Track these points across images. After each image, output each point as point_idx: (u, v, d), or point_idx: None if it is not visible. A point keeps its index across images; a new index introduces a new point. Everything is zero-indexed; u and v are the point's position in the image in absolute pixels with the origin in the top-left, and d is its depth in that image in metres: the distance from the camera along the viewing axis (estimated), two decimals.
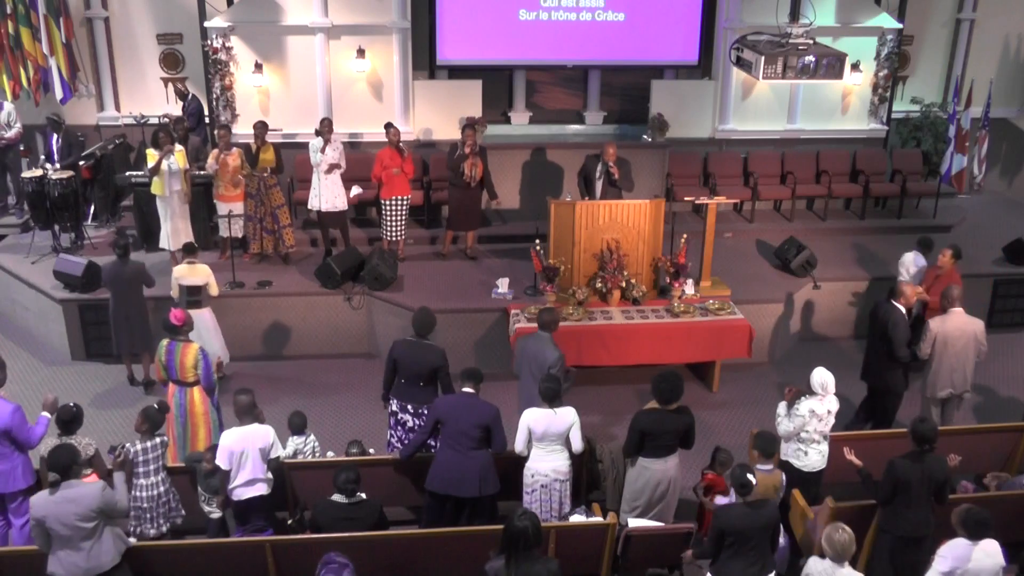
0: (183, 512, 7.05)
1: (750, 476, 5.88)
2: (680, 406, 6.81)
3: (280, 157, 10.68)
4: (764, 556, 5.94)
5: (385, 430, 8.04)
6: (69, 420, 6.62)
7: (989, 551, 5.71)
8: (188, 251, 9.31)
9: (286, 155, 11.09)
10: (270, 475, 6.93)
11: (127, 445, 6.71)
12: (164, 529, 6.90)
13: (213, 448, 7.08)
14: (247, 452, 6.72)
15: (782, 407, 7.31)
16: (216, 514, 7.12)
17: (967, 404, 8.59)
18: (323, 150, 10.43)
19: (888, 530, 6.49)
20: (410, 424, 7.56)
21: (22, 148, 12.23)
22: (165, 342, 7.79)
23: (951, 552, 5.73)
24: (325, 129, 10.50)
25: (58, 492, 5.72)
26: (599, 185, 10.60)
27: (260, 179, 10.55)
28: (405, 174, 10.74)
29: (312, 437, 7.68)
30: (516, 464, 7.09)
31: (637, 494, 6.98)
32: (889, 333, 8.15)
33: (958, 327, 8.07)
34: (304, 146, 11.29)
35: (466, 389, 6.94)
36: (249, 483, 6.80)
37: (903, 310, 8.24)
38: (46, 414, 6.87)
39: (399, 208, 10.87)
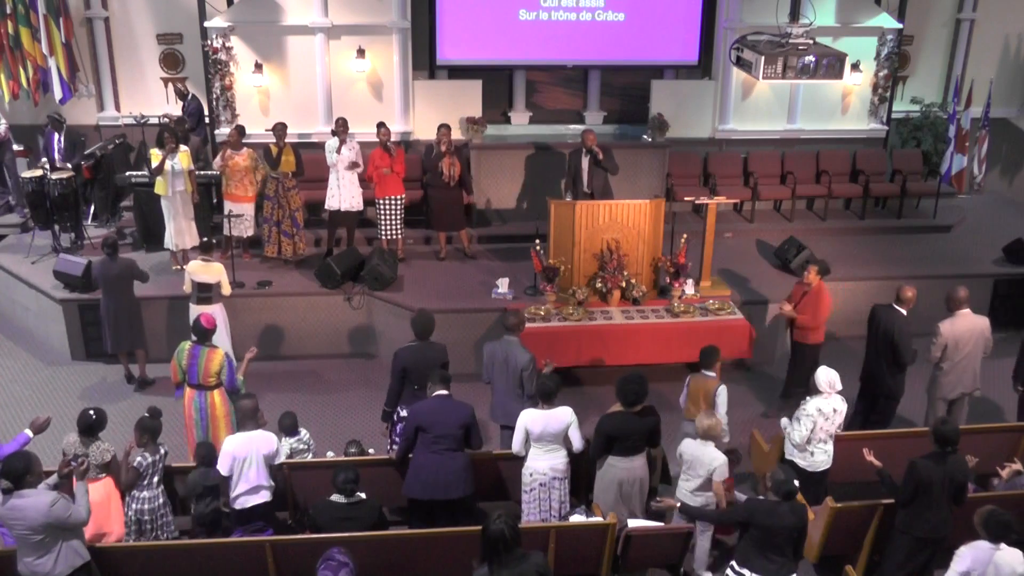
0: (174, 527, 6.99)
1: (796, 482, 5.93)
2: (645, 407, 6.81)
3: (300, 159, 10.67)
4: (785, 556, 5.96)
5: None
6: (87, 427, 6.50)
7: (1011, 559, 5.64)
8: (204, 249, 9.30)
9: None
10: (272, 482, 6.83)
11: (138, 458, 6.67)
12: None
13: (202, 445, 7.07)
14: (250, 458, 6.61)
15: (785, 421, 7.32)
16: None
17: (973, 402, 8.56)
18: (339, 150, 10.45)
19: (907, 531, 6.45)
20: None
21: (22, 148, 12.22)
22: (188, 345, 7.72)
23: (971, 552, 5.68)
24: (340, 129, 10.50)
25: (9, 500, 5.64)
26: (586, 171, 10.70)
27: (279, 182, 10.55)
28: (396, 174, 10.74)
29: (305, 434, 7.68)
30: (513, 464, 7.11)
31: (603, 491, 6.96)
32: (896, 339, 8.09)
33: (967, 328, 8.04)
34: (305, 146, 11.30)
35: (440, 392, 6.86)
36: (253, 490, 6.69)
37: (902, 312, 8.19)
38: (28, 433, 6.60)
39: (393, 208, 10.87)
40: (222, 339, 9.24)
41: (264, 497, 6.77)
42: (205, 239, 9.51)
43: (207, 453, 6.95)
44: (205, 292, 9.17)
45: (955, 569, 5.72)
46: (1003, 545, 5.65)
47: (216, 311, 9.21)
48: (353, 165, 10.57)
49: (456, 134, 11.46)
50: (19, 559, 5.80)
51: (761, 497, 6.08)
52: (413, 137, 12.29)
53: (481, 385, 8.44)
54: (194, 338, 7.75)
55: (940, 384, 8.24)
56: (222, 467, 6.63)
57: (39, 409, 9.09)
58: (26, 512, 5.63)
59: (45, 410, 8.92)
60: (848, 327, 10.96)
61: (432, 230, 11.38)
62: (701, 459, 6.68)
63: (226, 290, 9.30)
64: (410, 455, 7.02)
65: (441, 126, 10.79)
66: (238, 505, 6.73)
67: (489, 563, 5.11)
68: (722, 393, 7.39)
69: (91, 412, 6.56)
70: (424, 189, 11.71)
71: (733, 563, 6.13)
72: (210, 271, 9.18)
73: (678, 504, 6.62)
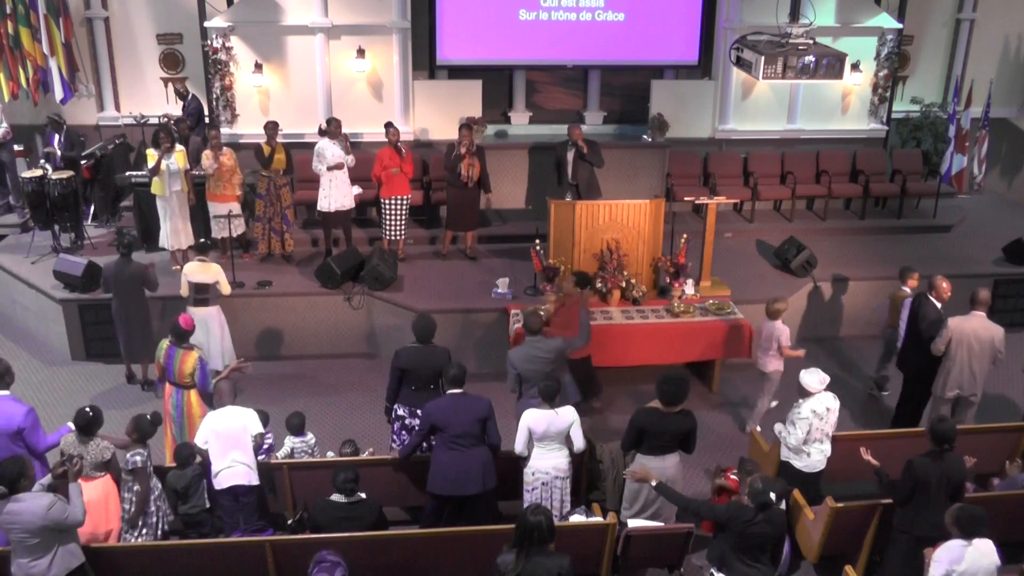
0: (171, 517, 6.97)
1: (772, 495, 5.92)
2: (684, 409, 6.78)
3: (291, 158, 10.67)
4: (761, 563, 5.97)
5: (385, 430, 8.03)
6: (85, 425, 6.51)
7: (984, 551, 5.67)
8: (200, 250, 9.28)
9: None
10: (253, 463, 6.85)
11: (130, 456, 6.66)
12: (155, 536, 6.80)
13: (183, 447, 7.11)
14: (229, 434, 6.73)
15: (778, 426, 7.31)
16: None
17: (976, 408, 8.47)
18: (348, 150, 10.47)
19: (906, 530, 6.45)
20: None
21: (21, 148, 12.22)
22: (165, 344, 7.77)
23: (947, 555, 5.68)
24: (335, 128, 10.49)
25: (6, 505, 5.66)
26: (571, 163, 10.89)
27: (270, 180, 10.55)
28: (404, 174, 10.74)
29: (311, 436, 7.68)
30: (515, 463, 7.10)
31: (635, 492, 6.98)
32: (919, 324, 8.31)
33: (975, 330, 8.05)
34: (305, 147, 11.29)
35: (453, 391, 6.89)
36: (231, 467, 6.77)
37: (935, 303, 8.36)
38: (70, 425, 6.70)
39: (399, 208, 10.87)
40: (220, 340, 9.25)
41: (243, 477, 6.79)
42: (202, 240, 9.48)
43: (186, 454, 7.01)
44: (202, 293, 9.15)
45: (933, 574, 5.71)
46: (975, 540, 5.66)
47: (214, 313, 9.25)
48: (337, 166, 10.49)
49: (456, 134, 11.43)
50: (13, 561, 5.80)
51: (745, 501, 6.07)
52: (429, 137, 12.25)
53: (481, 385, 8.45)
54: (171, 338, 7.77)
55: (941, 381, 8.26)
56: (198, 439, 6.79)
57: (39, 409, 9.08)
58: (23, 515, 5.64)
59: (45, 410, 8.93)
60: (850, 327, 10.99)
61: (442, 228, 11.37)
62: (772, 332, 8.48)
63: (225, 289, 9.28)
64: (418, 452, 7.07)
65: (462, 127, 10.77)
66: (218, 484, 6.81)
67: (519, 551, 5.18)
68: (907, 304, 8.79)
69: (88, 410, 6.55)
70: (425, 189, 11.73)
71: (712, 570, 6.13)
72: (208, 271, 9.16)
73: (654, 482, 6.54)
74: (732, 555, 5.96)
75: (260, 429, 6.92)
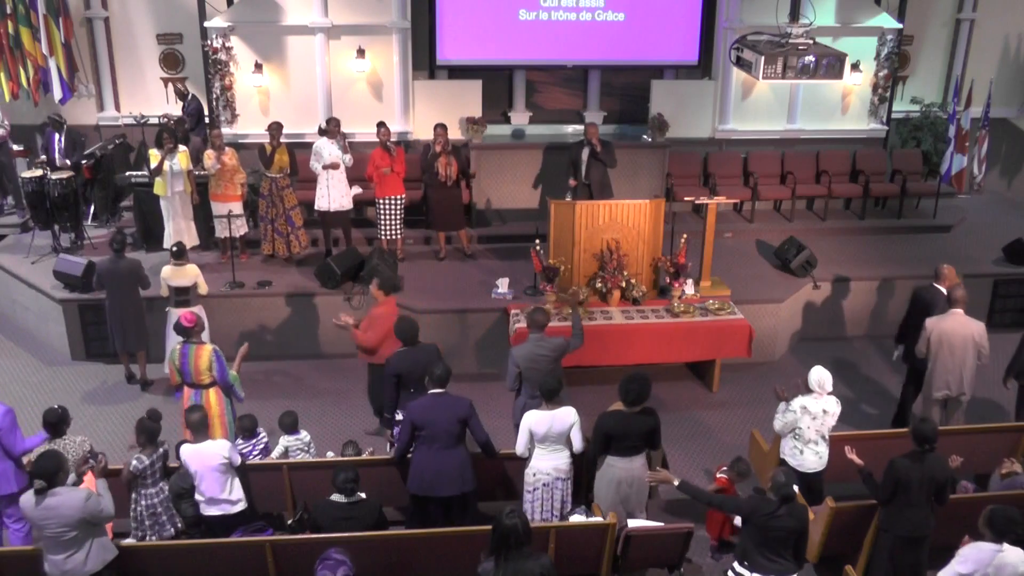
0: (178, 523, 6.92)
1: (796, 488, 5.92)
2: (645, 407, 6.75)
3: (295, 159, 10.67)
4: (784, 558, 5.96)
5: (384, 430, 8.04)
6: (55, 423, 6.52)
7: (1015, 559, 5.55)
8: (176, 255, 9.16)
9: None
10: (236, 492, 6.78)
11: (133, 460, 6.65)
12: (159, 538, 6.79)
13: (181, 445, 7.09)
14: (201, 472, 6.66)
15: (782, 405, 7.33)
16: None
17: (965, 407, 8.45)
18: (346, 149, 10.50)
19: (888, 530, 6.49)
20: None
21: (21, 148, 12.23)
22: (178, 346, 7.74)
23: (975, 555, 5.59)
24: (334, 128, 10.50)
25: (43, 499, 5.70)
26: (584, 162, 10.96)
27: (272, 180, 10.55)
28: (396, 174, 10.74)
29: (305, 434, 7.68)
30: (513, 464, 7.10)
31: (602, 490, 6.92)
32: (930, 313, 8.30)
33: (953, 328, 8.03)
34: (305, 147, 11.29)
35: (435, 390, 6.87)
36: (210, 502, 6.74)
37: (944, 291, 8.35)
38: (44, 432, 6.69)
39: (393, 208, 10.87)
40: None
41: (223, 509, 6.75)
42: (174, 245, 9.33)
43: None
44: (182, 295, 9.15)
45: (955, 568, 5.66)
46: (1006, 545, 5.61)
47: (196, 313, 9.21)
48: (333, 165, 10.51)
49: (456, 134, 11.46)
50: (46, 558, 5.84)
51: (766, 494, 6.06)
52: (412, 137, 12.29)
53: (481, 385, 8.44)
54: (180, 338, 7.78)
55: (928, 382, 8.25)
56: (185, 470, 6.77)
57: (39, 409, 9.07)
58: (60, 510, 5.70)
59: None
60: (850, 327, 10.99)
61: (432, 230, 11.38)
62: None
63: (203, 289, 9.29)
64: (408, 454, 7.04)
65: (437, 126, 10.79)
66: (204, 512, 6.79)
67: (497, 557, 5.15)
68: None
69: (57, 408, 6.57)
70: (424, 189, 11.72)
71: (735, 564, 6.14)
72: (184, 274, 9.14)
73: (676, 481, 6.50)
74: (754, 549, 5.96)
75: (237, 460, 6.81)
